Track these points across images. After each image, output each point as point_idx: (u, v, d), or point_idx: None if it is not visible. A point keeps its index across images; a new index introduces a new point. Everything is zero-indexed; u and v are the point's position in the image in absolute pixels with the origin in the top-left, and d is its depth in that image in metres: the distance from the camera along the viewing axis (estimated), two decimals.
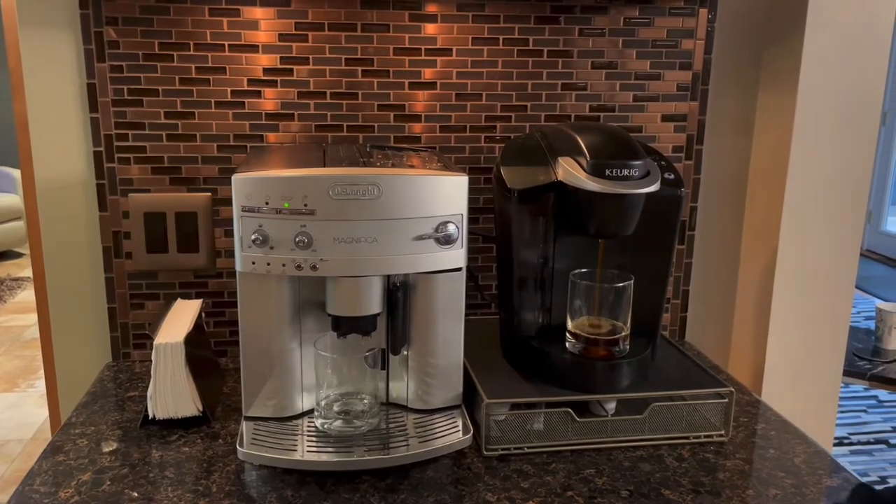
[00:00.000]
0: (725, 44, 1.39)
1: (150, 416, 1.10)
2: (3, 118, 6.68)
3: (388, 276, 1.03)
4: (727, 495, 0.96)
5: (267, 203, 0.94)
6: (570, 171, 1.03)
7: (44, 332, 1.34)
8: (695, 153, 1.41)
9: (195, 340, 1.15)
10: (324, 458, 0.96)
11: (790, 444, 1.09)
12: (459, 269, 1.02)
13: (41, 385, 3.49)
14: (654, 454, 1.06)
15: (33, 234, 1.29)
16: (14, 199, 5.77)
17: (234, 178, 0.95)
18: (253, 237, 0.95)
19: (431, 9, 1.29)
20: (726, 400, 1.09)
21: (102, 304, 1.32)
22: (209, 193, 1.30)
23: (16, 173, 6.00)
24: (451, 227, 0.98)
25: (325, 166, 0.99)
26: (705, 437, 1.09)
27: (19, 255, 5.71)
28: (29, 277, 5.20)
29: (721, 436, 1.09)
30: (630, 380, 1.09)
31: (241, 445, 0.97)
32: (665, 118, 1.39)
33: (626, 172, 1.00)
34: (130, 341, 1.34)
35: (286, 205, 0.94)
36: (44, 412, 3.14)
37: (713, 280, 1.49)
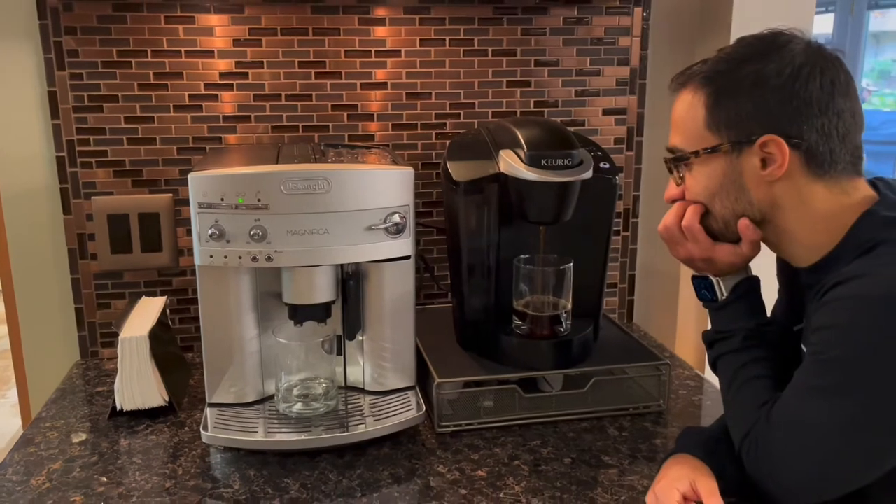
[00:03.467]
0: (660, 40, 1.47)
1: (118, 407, 1.14)
2: None
3: (341, 266, 1.09)
4: (661, 458, 1.03)
5: (222, 199, 1.00)
6: (509, 163, 1.09)
7: (13, 334, 1.37)
8: (635, 144, 1.49)
9: (160, 336, 1.20)
10: (283, 437, 1.02)
11: None
12: (408, 258, 1.08)
13: (14, 395, 3.48)
14: (596, 425, 1.13)
15: None
16: None
17: (191, 176, 1.00)
18: (210, 232, 1.00)
19: (380, 12, 1.35)
20: (664, 372, 1.16)
21: (70, 304, 1.37)
22: (170, 194, 1.35)
23: None
24: (399, 218, 1.04)
25: (277, 163, 1.05)
26: (644, 407, 1.16)
27: None
28: None
29: (659, 406, 1.17)
30: (573, 357, 1.16)
31: (206, 430, 1.03)
32: (606, 112, 1.47)
33: (560, 162, 1.07)
34: (98, 340, 1.38)
35: (240, 200, 0.99)
36: (17, 422, 3.13)
37: (658, 265, 1.57)
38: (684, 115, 0.89)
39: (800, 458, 0.83)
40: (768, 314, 0.99)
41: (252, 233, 0.99)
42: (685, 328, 1.58)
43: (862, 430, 0.78)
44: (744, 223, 0.88)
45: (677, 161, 0.90)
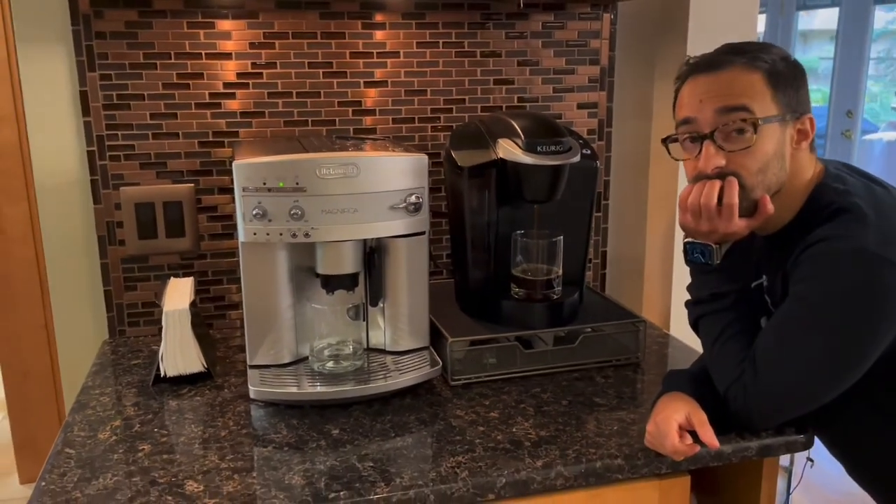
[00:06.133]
0: (626, 43, 1.66)
1: (162, 374, 1.27)
2: None
3: (365, 241, 1.24)
4: (642, 399, 1.23)
5: (264, 183, 1.14)
6: (508, 150, 1.27)
7: (45, 315, 1.48)
8: (605, 135, 1.68)
9: (193, 311, 1.33)
10: (323, 389, 1.17)
11: (691, 362, 1.37)
12: (423, 233, 1.24)
13: None
14: (585, 375, 1.31)
15: (34, 226, 1.43)
16: None
17: (235, 164, 1.14)
18: (254, 212, 1.14)
19: (380, 18, 1.51)
20: (640, 328, 1.35)
21: (99, 287, 1.48)
22: (192, 184, 1.48)
23: None
24: (416, 198, 1.20)
25: (306, 152, 1.20)
26: (625, 359, 1.35)
27: None
28: None
29: (637, 358, 1.36)
30: (564, 317, 1.34)
31: (252, 386, 1.17)
32: (580, 106, 1.65)
33: (553, 148, 1.25)
34: (126, 319, 1.50)
35: (281, 184, 1.14)
36: None
37: (626, 241, 1.77)
38: (753, 86, 0.98)
39: (779, 387, 0.99)
40: None
41: (292, 212, 1.14)
42: (651, 296, 1.78)
43: (829, 361, 0.96)
44: (766, 198, 1.00)
45: (763, 120, 0.98)
